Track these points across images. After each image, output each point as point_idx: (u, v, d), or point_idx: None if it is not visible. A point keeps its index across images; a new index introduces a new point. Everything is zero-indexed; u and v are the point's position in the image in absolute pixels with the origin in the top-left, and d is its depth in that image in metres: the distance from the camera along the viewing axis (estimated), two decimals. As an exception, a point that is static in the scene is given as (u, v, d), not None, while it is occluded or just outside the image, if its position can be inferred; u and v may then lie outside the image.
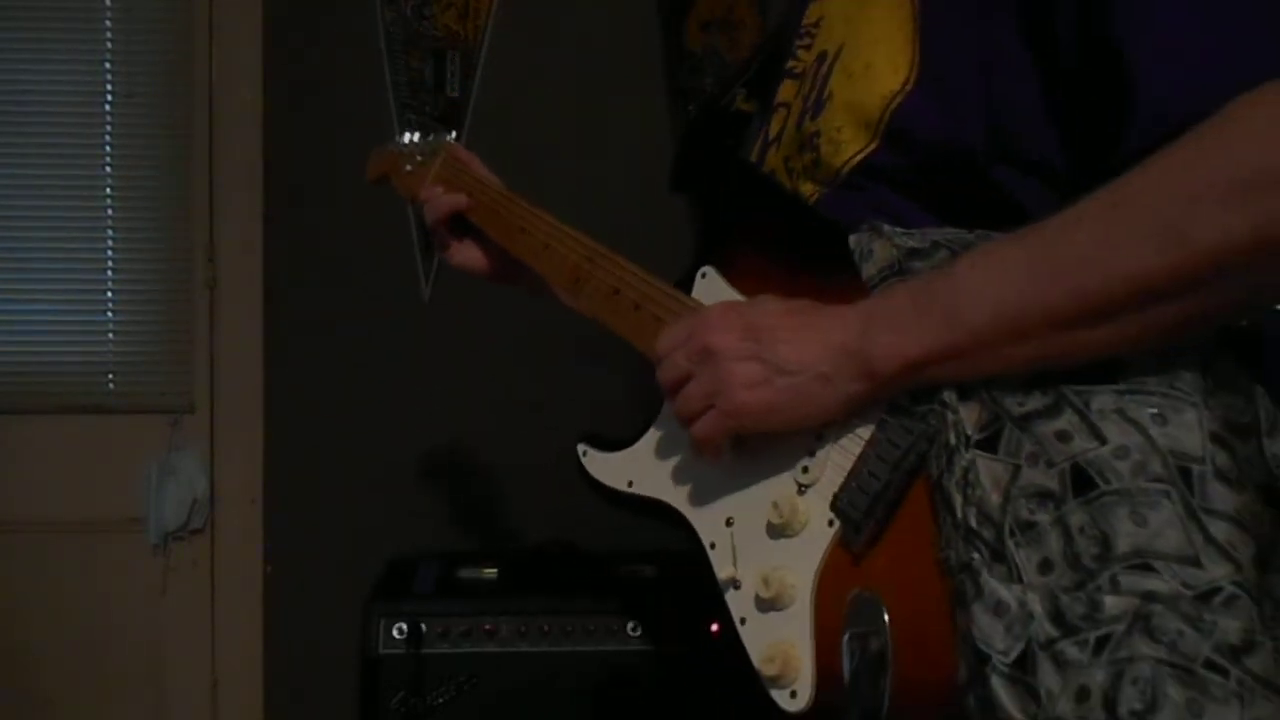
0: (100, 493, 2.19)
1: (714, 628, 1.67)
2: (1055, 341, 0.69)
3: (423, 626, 1.68)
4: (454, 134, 1.41)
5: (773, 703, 0.79)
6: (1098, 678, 0.63)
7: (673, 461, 0.94)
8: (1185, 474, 0.65)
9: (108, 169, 2.22)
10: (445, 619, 1.70)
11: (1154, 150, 0.67)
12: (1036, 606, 0.65)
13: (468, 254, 1.32)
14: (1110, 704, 0.62)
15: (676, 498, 0.93)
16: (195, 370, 2.21)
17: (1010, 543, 0.67)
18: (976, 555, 0.67)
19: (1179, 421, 0.67)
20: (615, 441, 1.02)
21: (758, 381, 0.80)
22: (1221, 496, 0.65)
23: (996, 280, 0.71)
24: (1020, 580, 0.66)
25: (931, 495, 0.72)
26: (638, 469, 0.98)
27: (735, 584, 0.85)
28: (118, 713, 2.20)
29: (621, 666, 1.70)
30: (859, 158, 0.86)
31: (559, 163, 2.20)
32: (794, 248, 0.90)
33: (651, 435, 0.98)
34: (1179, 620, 0.62)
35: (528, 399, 2.21)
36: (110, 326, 2.23)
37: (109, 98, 2.20)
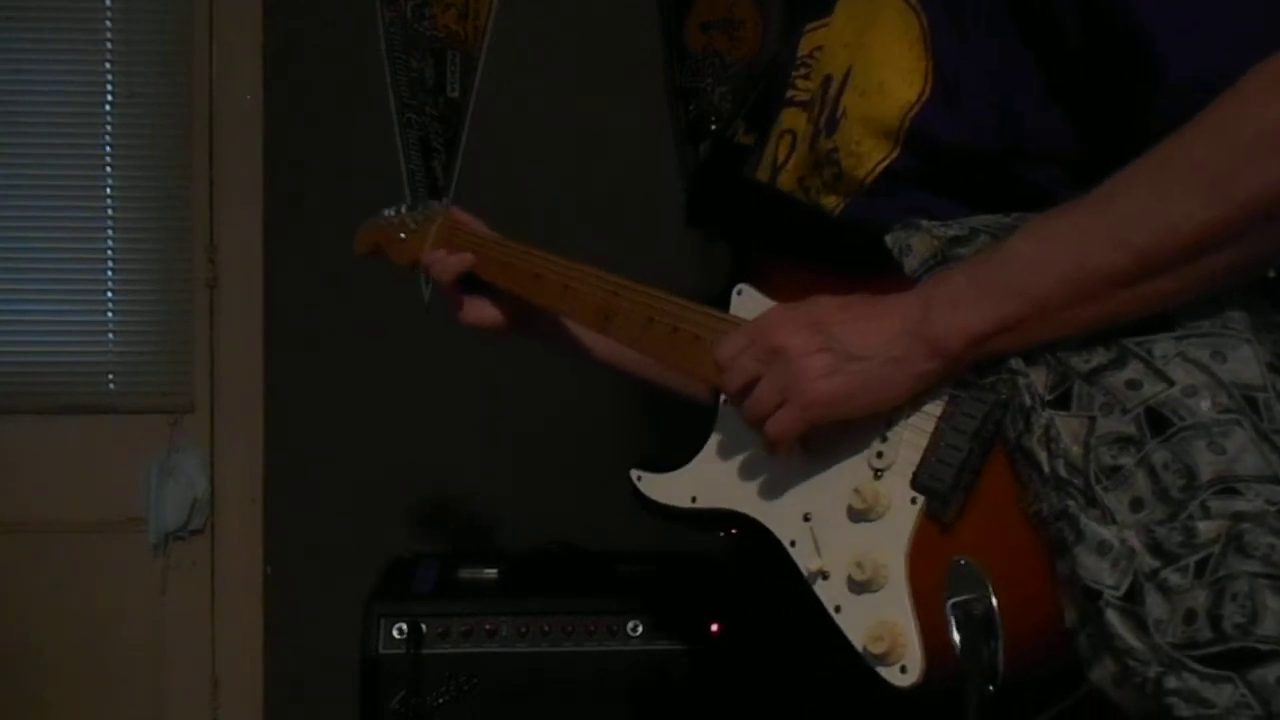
0: (100, 493, 2.20)
1: (714, 627, 1.67)
2: (1114, 299, 0.74)
3: (423, 626, 1.68)
4: (447, 201, 1.41)
5: (883, 682, 0.80)
6: (1201, 599, 0.67)
7: (737, 470, 0.96)
8: (1251, 402, 0.71)
9: (108, 169, 2.22)
10: (445, 619, 1.70)
11: (1183, 119, 0.72)
12: (1135, 541, 0.69)
13: (481, 311, 1.31)
14: (1215, 621, 0.67)
15: (747, 504, 0.95)
16: (195, 370, 2.21)
17: (1099, 489, 0.71)
18: (1072, 502, 0.72)
19: (1237, 356, 0.72)
20: (668, 463, 1.03)
21: (830, 371, 0.83)
22: None
23: (1054, 248, 0.76)
24: (1114, 521, 0.70)
25: (1011, 457, 0.77)
26: (700, 484, 0.99)
27: (824, 575, 0.87)
28: (118, 713, 2.20)
29: (621, 666, 1.70)
30: (882, 166, 0.90)
31: (559, 163, 2.20)
32: (826, 256, 0.93)
33: (710, 449, 0.99)
34: (1269, 534, 0.67)
35: (527, 399, 2.21)
36: (110, 326, 2.24)
37: (109, 98, 2.20)
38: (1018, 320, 0.77)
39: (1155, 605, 0.68)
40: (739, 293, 0.99)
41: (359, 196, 2.20)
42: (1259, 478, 0.69)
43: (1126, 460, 0.71)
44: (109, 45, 2.21)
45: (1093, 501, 0.71)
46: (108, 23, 2.20)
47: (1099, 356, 0.75)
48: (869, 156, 0.91)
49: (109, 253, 2.22)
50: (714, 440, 0.99)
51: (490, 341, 1.35)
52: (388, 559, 1.98)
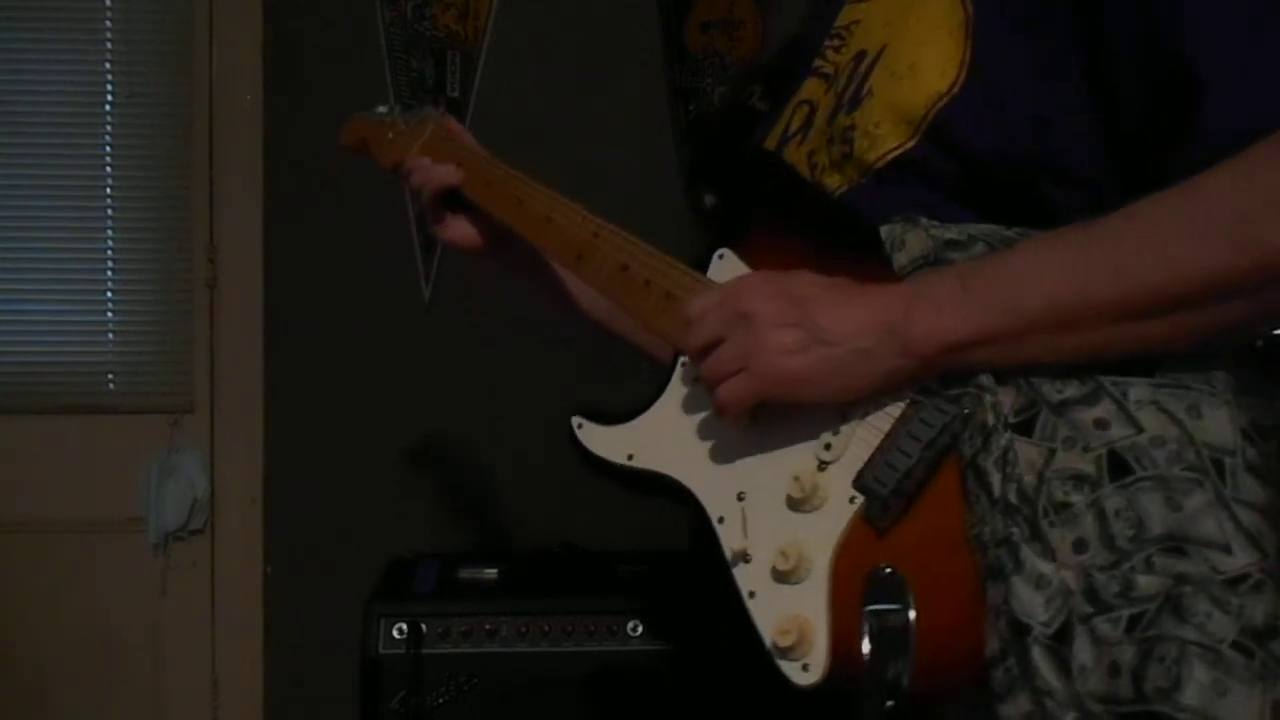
0: (100, 493, 2.20)
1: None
2: (1101, 333, 0.72)
3: (423, 626, 1.68)
4: (443, 109, 1.37)
5: (782, 678, 0.78)
6: (1128, 654, 0.66)
7: (680, 436, 0.93)
8: (1219, 465, 0.69)
9: (108, 169, 2.22)
10: (445, 619, 1.70)
11: (1212, 161, 0.69)
12: (1072, 583, 0.67)
13: (460, 230, 1.27)
14: (1138, 680, 0.65)
15: (682, 471, 0.92)
16: (195, 370, 2.21)
17: (1044, 522, 0.69)
18: (1016, 530, 0.69)
19: (1213, 417, 0.70)
20: (613, 415, 1.00)
21: (796, 349, 0.79)
22: (1251, 488, 0.69)
23: (1051, 269, 0.73)
24: (1054, 559, 0.68)
25: (962, 475, 0.73)
26: (640, 442, 0.96)
27: (745, 558, 0.84)
28: (118, 713, 2.20)
29: (621, 666, 1.70)
30: (895, 154, 0.86)
31: (559, 163, 2.19)
32: (817, 236, 0.89)
33: (658, 409, 0.96)
34: (1208, 602, 0.65)
35: (527, 399, 2.21)
36: (110, 326, 2.24)
37: (109, 98, 2.20)
38: (998, 335, 0.74)
39: (1082, 650, 0.67)
40: (720, 256, 0.96)
41: (359, 196, 2.20)
42: (1210, 543, 0.67)
43: (1078, 499, 0.69)
44: (109, 45, 2.21)
45: (1037, 534, 0.69)
46: (108, 23, 2.20)
47: (1072, 389, 0.72)
48: (884, 141, 0.86)
49: (109, 253, 2.22)
50: (663, 400, 0.96)
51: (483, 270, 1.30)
52: (388, 559, 1.98)
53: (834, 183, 0.91)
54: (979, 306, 0.74)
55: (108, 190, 2.21)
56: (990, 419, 0.73)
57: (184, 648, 2.21)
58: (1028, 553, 0.68)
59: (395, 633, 1.68)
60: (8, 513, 2.17)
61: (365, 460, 2.21)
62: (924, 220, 0.81)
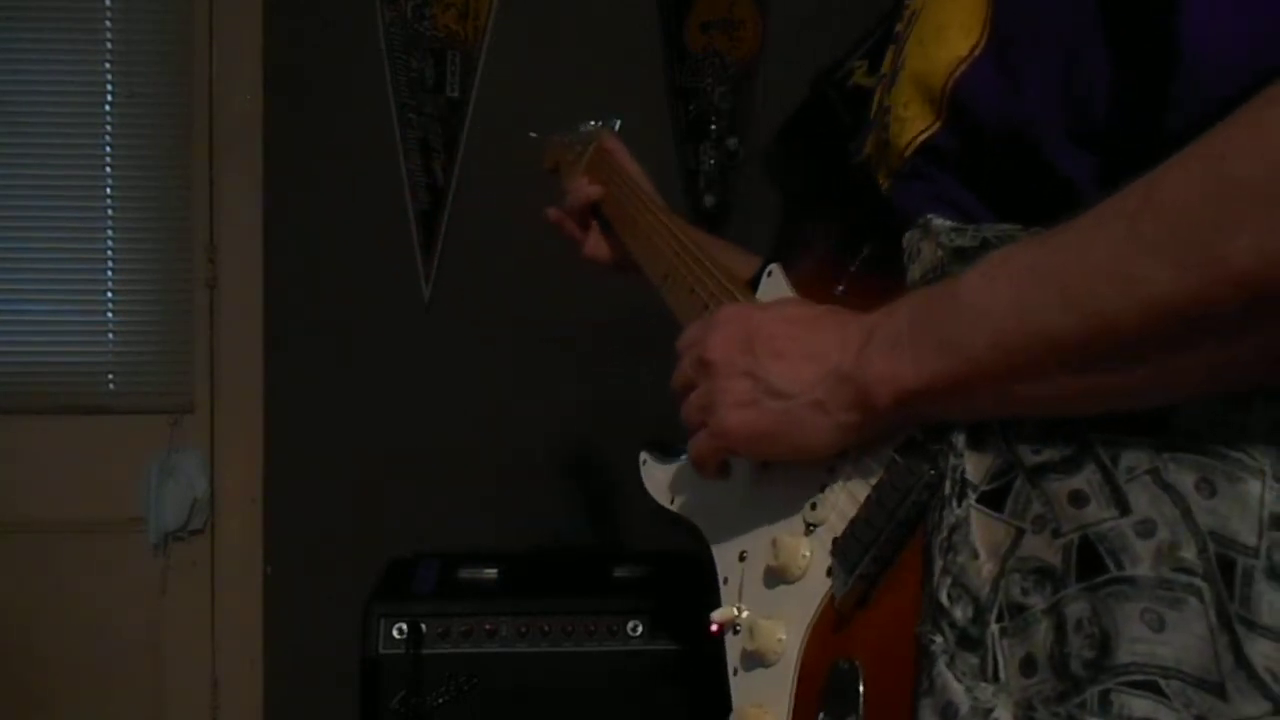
0: (100, 493, 2.19)
1: (714, 628, 1.67)
2: (1072, 383, 0.54)
3: (423, 626, 1.68)
4: (618, 123, 1.40)
5: None
6: None
7: (709, 483, 0.85)
8: (1227, 567, 0.50)
9: (108, 169, 2.21)
10: (445, 619, 1.70)
11: (1202, 122, 0.51)
12: (1004, 715, 0.52)
13: (593, 245, 1.29)
14: None
15: (705, 522, 0.86)
16: (195, 370, 2.21)
17: (994, 628, 0.54)
18: (939, 639, 0.55)
19: (1232, 494, 0.51)
20: (673, 450, 0.94)
21: (746, 402, 0.71)
22: (1272, 606, 0.49)
23: (1002, 294, 0.57)
24: (995, 678, 0.53)
25: (924, 556, 0.60)
26: (680, 486, 0.91)
27: (735, 628, 0.76)
28: (118, 713, 2.19)
29: (621, 666, 1.70)
30: (921, 138, 0.71)
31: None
32: (859, 248, 0.78)
33: None
34: None
35: (527, 399, 2.21)
36: (110, 326, 2.23)
37: (109, 98, 2.20)
38: (955, 382, 0.58)
39: None
40: (769, 274, 0.86)
41: (359, 196, 2.20)
42: (1195, 681, 0.48)
43: (1036, 601, 0.53)
44: (109, 45, 2.21)
45: (970, 644, 0.54)
46: (108, 23, 2.20)
47: (1052, 450, 0.56)
48: (912, 124, 0.71)
49: (109, 253, 2.22)
50: None
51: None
52: (388, 559, 1.98)
53: (882, 180, 0.77)
54: (926, 347, 0.60)
55: (108, 190, 2.21)
56: (947, 487, 0.58)
57: (184, 648, 2.21)
58: (942, 670, 0.54)
59: (395, 633, 1.68)
60: (8, 513, 2.17)
61: (365, 460, 2.21)
62: (938, 224, 0.67)
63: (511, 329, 2.20)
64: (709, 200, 2.24)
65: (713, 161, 2.24)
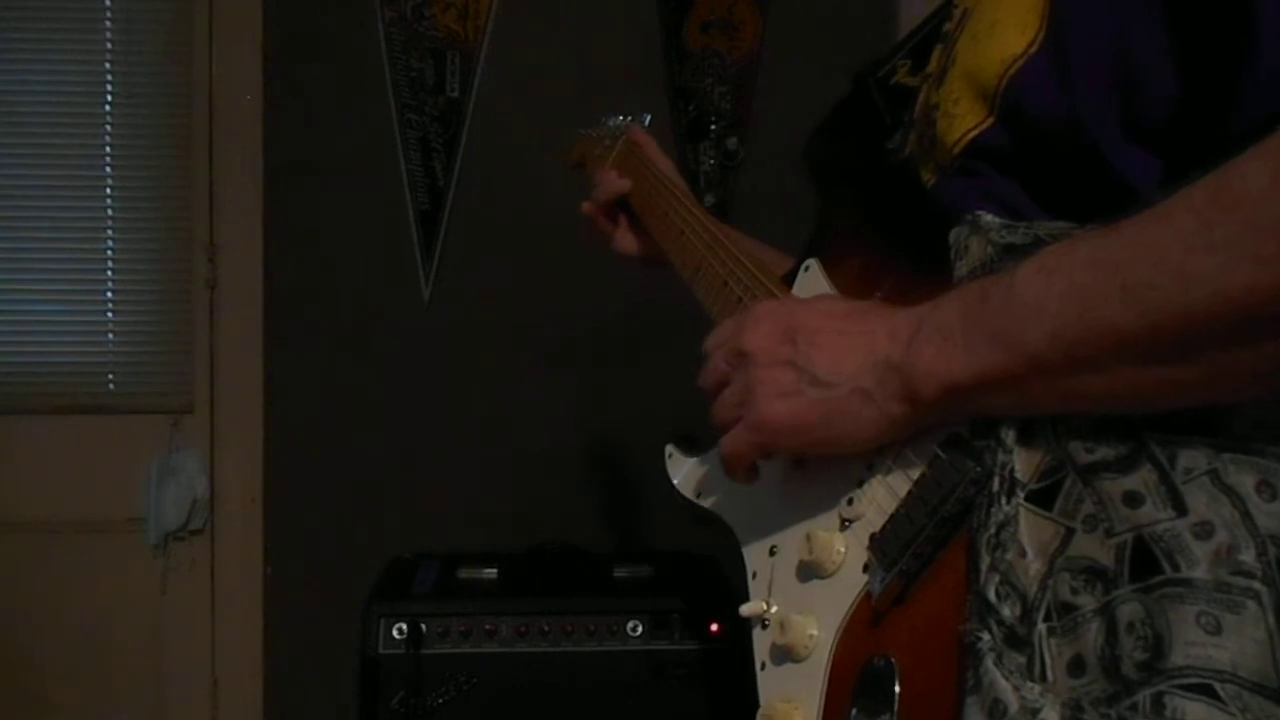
0: (100, 493, 2.19)
1: (714, 627, 1.67)
2: (1119, 375, 0.54)
3: (423, 626, 1.68)
4: (648, 118, 1.41)
5: None
6: None
7: None
8: None
9: (108, 169, 2.21)
10: (445, 619, 1.70)
11: (1258, 136, 0.51)
12: (1051, 715, 0.51)
13: (622, 238, 1.30)
14: None
15: (732, 515, 0.85)
16: (195, 370, 2.21)
17: (1042, 627, 0.53)
18: (986, 636, 0.55)
19: None
20: (701, 444, 0.93)
21: (788, 391, 0.69)
22: None
23: (1059, 292, 0.56)
24: (1043, 678, 0.52)
25: (969, 553, 0.59)
26: (706, 479, 0.90)
27: (764, 622, 0.75)
28: (118, 713, 2.19)
29: (621, 666, 1.70)
30: (970, 135, 0.70)
31: (558, 164, 2.19)
32: (901, 244, 0.77)
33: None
34: None
35: (527, 399, 2.21)
36: (110, 326, 2.23)
37: (109, 98, 2.20)
38: (1007, 376, 0.58)
39: None
40: (806, 269, 0.85)
41: (359, 196, 2.20)
42: (1252, 685, 0.48)
43: (1086, 602, 0.52)
44: (109, 45, 2.21)
45: (1018, 643, 0.54)
46: (108, 23, 2.20)
47: (1106, 448, 0.55)
48: (962, 121, 0.70)
49: (109, 253, 2.22)
50: None
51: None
52: (388, 559, 1.98)
53: (927, 178, 0.76)
54: (979, 340, 0.60)
55: (108, 190, 2.21)
56: (995, 484, 0.58)
57: (184, 648, 2.21)
58: (990, 668, 0.53)
59: (395, 633, 1.68)
60: (8, 513, 2.17)
61: (365, 460, 2.21)
62: (988, 220, 0.66)
63: (511, 329, 2.20)
64: (709, 200, 2.24)
65: (713, 161, 2.24)
